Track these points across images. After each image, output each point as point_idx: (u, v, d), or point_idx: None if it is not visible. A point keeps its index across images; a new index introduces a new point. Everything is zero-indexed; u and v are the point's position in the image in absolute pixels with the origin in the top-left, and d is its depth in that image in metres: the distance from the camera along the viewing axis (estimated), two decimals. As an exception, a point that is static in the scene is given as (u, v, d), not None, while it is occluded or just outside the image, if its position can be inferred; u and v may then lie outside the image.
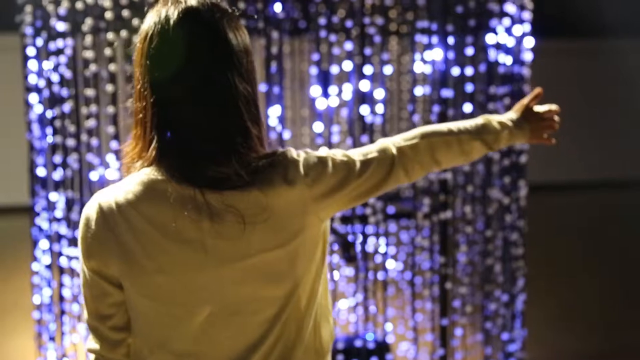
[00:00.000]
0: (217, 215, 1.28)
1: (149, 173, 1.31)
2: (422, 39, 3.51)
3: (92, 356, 1.38)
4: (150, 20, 1.33)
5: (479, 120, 1.63)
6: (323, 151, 1.42)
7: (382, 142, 1.50)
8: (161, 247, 1.29)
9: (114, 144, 3.22)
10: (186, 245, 1.29)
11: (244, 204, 1.29)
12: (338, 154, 1.43)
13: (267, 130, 1.49)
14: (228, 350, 1.33)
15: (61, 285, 3.38)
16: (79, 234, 1.34)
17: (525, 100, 1.76)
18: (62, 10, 3.19)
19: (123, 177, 1.36)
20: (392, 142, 1.50)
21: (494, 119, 1.65)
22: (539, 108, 1.76)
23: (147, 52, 1.30)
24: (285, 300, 1.34)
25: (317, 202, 1.36)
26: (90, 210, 1.33)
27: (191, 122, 1.29)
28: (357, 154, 1.45)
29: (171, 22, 1.29)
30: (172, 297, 1.31)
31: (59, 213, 3.37)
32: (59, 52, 3.27)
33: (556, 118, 1.79)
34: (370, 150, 1.47)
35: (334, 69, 3.50)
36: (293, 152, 1.38)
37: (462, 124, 1.60)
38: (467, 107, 3.47)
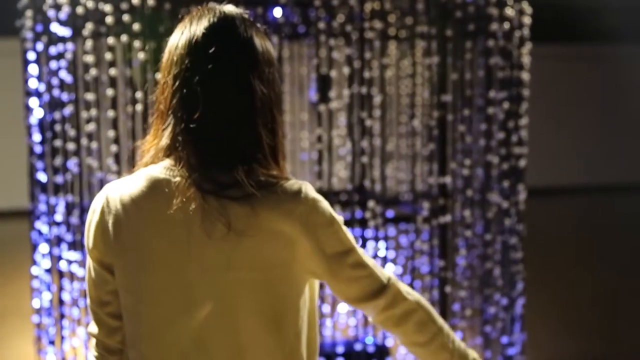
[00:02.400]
0: (209, 219, 1.29)
1: (156, 169, 1.35)
2: (421, 43, 3.52)
3: (93, 339, 1.44)
4: (185, 22, 1.39)
5: (468, 349, 1.56)
6: (339, 218, 1.39)
7: (390, 273, 1.47)
8: (150, 244, 1.32)
9: (114, 148, 3.22)
10: (173, 245, 1.32)
11: (234, 215, 1.29)
12: (348, 232, 1.40)
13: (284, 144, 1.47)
14: None
15: (61, 289, 3.39)
16: (86, 222, 1.41)
17: None
18: (63, 14, 3.19)
19: (137, 169, 1.40)
20: (395, 281, 1.46)
21: None
22: None
23: (176, 47, 1.36)
24: (257, 333, 1.32)
25: (305, 248, 1.33)
26: (97, 201, 1.39)
27: (205, 116, 1.32)
28: (362, 252, 1.42)
29: (204, 26, 1.35)
30: (150, 296, 1.33)
31: (58, 217, 3.37)
32: (60, 56, 3.27)
33: None
34: (375, 265, 1.44)
35: (333, 73, 3.51)
36: (309, 190, 1.36)
37: (453, 334, 1.53)
38: (466, 112, 3.48)
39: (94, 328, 1.43)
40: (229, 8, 1.39)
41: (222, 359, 1.33)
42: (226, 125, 1.32)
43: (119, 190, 1.36)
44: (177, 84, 1.33)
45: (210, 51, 1.32)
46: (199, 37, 1.33)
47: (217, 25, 1.35)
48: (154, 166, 1.36)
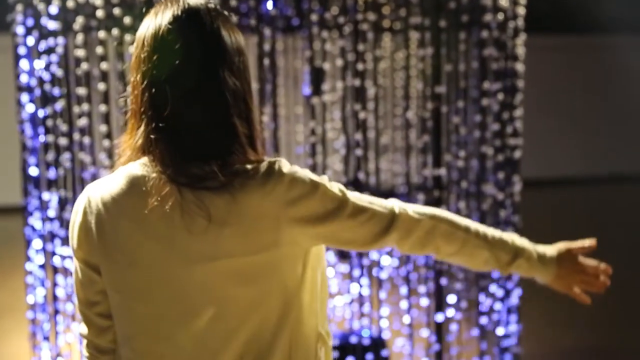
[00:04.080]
0: (188, 213, 1.29)
1: (134, 167, 1.34)
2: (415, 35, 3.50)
3: (84, 340, 1.44)
4: (151, 16, 1.37)
5: (505, 235, 1.53)
6: (320, 178, 1.37)
7: (391, 202, 1.45)
8: (133, 242, 1.32)
9: (106, 143, 3.20)
10: (156, 241, 1.31)
11: (213, 205, 1.29)
12: (335, 186, 1.38)
13: (261, 130, 1.45)
14: (189, 356, 1.34)
15: (55, 284, 3.37)
16: (70, 224, 1.41)
17: (572, 245, 1.63)
18: (53, 8, 3.17)
19: (116, 168, 1.40)
20: (400, 206, 1.44)
21: (521, 243, 1.55)
22: (585, 260, 1.63)
23: (142, 43, 1.34)
24: (247, 313, 1.33)
25: (292, 225, 1.32)
26: (80, 202, 1.39)
27: (177, 113, 1.31)
28: (356, 197, 1.40)
29: (170, 18, 1.33)
30: (139, 293, 1.33)
31: (51, 212, 3.35)
32: (51, 50, 3.25)
33: (604, 279, 1.65)
34: (373, 200, 1.42)
35: (327, 66, 3.50)
36: (283, 165, 1.34)
37: (484, 228, 1.51)
38: (460, 103, 3.47)
39: (83, 329, 1.43)
40: None
41: (214, 345, 1.33)
42: (198, 120, 1.31)
43: (100, 190, 1.35)
44: (145, 82, 1.32)
45: (176, 47, 1.30)
46: (164, 32, 1.31)
47: (181, 18, 1.32)
48: (133, 164, 1.35)
